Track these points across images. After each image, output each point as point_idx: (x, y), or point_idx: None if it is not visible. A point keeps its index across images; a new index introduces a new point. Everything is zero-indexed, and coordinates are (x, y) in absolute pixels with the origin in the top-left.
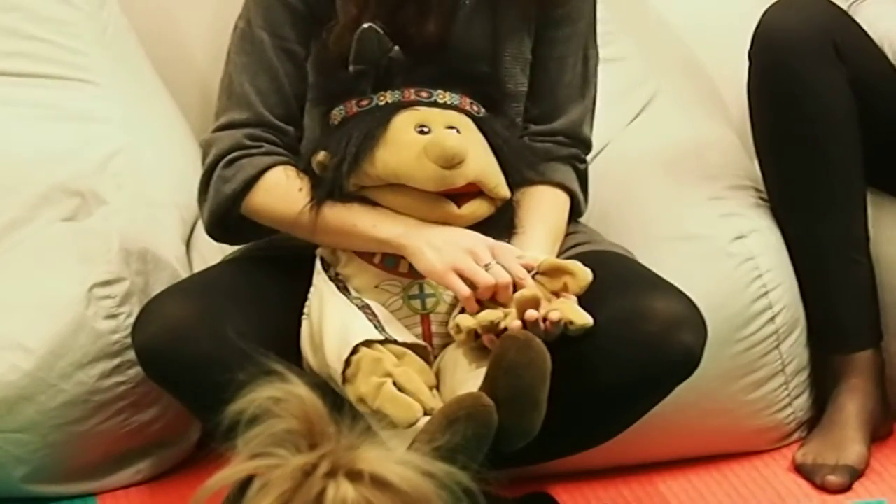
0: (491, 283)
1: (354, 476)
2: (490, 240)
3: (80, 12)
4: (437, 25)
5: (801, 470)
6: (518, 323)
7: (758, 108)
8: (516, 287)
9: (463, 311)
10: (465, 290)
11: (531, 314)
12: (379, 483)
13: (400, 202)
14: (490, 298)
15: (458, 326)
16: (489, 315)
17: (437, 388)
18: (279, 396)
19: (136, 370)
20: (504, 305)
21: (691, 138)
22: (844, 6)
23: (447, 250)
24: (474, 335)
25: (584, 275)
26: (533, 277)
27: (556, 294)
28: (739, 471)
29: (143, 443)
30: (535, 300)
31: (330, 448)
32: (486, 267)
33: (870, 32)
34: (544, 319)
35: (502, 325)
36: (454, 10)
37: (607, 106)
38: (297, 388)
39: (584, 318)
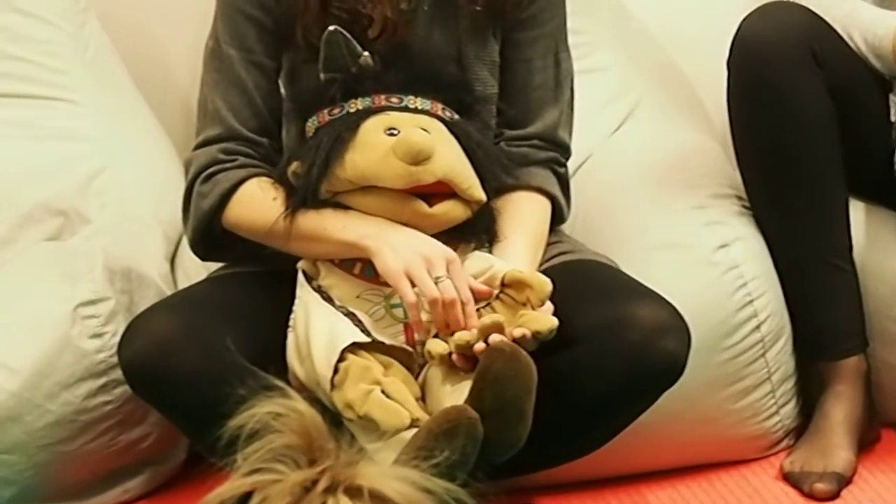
0: (435, 296)
1: (353, 492)
2: (451, 254)
3: (61, 32)
4: (393, 10)
5: (788, 478)
6: (482, 345)
7: (737, 117)
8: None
9: (437, 335)
10: (411, 297)
11: (494, 338)
12: (377, 499)
13: (371, 204)
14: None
15: (429, 353)
16: (464, 336)
17: (423, 399)
18: (279, 412)
19: (123, 389)
20: (451, 325)
21: (674, 148)
22: None
23: (405, 253)
24: (448, 358)
25: (542, 286)
26: (501, 291)
27: (524, 305)
28: (727, 479)
29: (130, 462)
30: (497, 326)
31: (329, 464)
32: (437, 280)
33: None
34: (514, 339)
35: (475, 348)
36: (410, 10)
37: (589, 117)
38: (297, 404)
39: (548, 324)
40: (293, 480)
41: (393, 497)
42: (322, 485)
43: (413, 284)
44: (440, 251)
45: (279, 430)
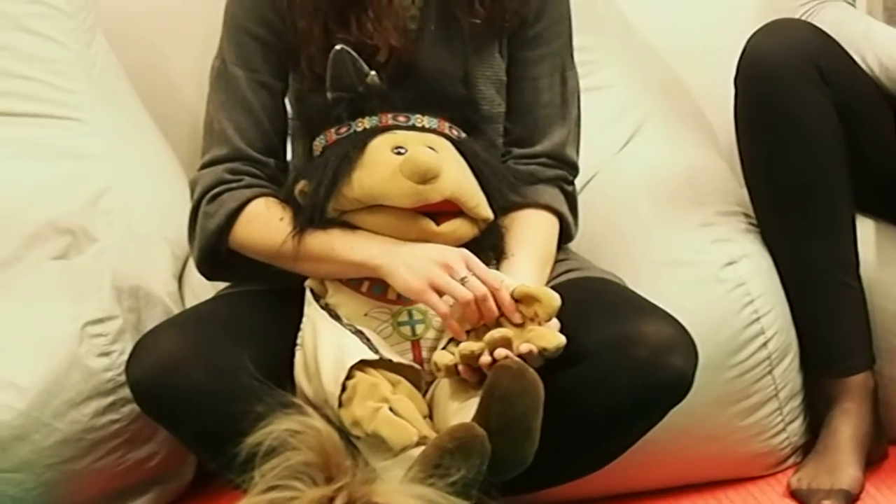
0: (468, 297)
1: None
2: (465, 252)
3: (68, 50)
4: (399, 36)
5: (796, 495)
6: (489, 359)
7: (744, 134)
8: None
9: (444, 347)
10: (443, 308)
11: (500, 352)
12: None
13: (378, 223)
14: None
15: (436, 365)
16: (469, 346)
17: (430, 416)
18: (296, 429)
19: (131, 407)
20: (487, 318)
21: (680, 165)
22: (797, 14)
23: (421, 266)
24: (455, 370)
25: (550, 300)
26: None
27: (533, 320)
28: (735, 497)
29: (138, 480)
30: (504, 340)
31: (346, 481)
32: (463, 280)
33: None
34: (519, 355)
35: (481, 360)
36: (416, 29)
37: (596, 134)
38: (315, 421)
39: (555, 340)
40: (310, 497)
41: None
42: (339, 502)
43: (440, 293)
44: (454, 253)
45: (296, 448)
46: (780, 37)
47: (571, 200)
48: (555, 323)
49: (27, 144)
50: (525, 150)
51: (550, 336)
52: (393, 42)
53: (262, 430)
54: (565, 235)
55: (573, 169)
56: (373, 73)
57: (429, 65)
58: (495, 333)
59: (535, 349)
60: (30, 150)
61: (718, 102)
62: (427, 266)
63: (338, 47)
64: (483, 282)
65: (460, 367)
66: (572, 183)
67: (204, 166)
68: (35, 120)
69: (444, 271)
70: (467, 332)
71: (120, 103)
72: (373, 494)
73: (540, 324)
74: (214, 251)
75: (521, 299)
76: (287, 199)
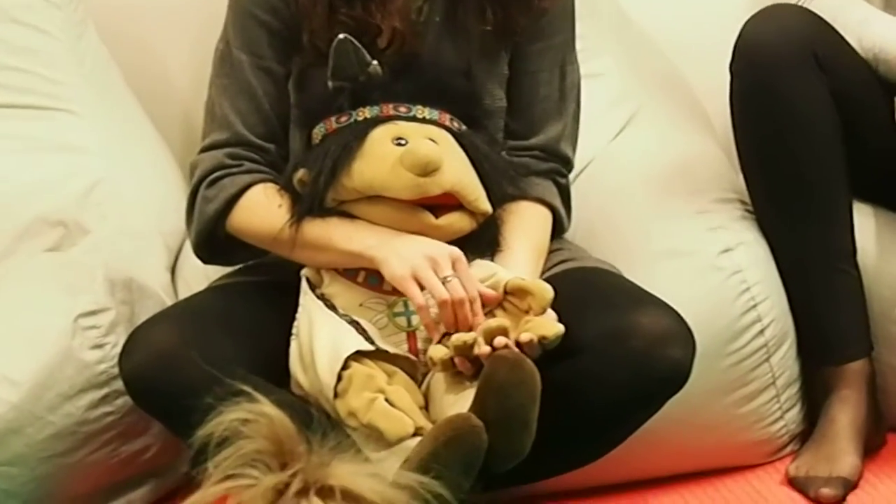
0: (445, 297)
1: (326, 492)
2: (456, 252)
3: (58, 43)
4: (402, 20)
5: (794, 483)
6: (487, 349)
7: (740, 122)
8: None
9: (440, 341)
10: (420, 300)
11: (499, 340)
12: (350, 498)
13: (377, 214)
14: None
15: (431, 359)
16: (462, 337)
17: (426, 407)
18: (247, 417)
19: (124, 400)
20: (460, 325)
21: (676, 153)
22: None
23: (410, 257)
24: (451, 363)
25: (543, 293)
26: (504, 298)
27: (527, 313)
28: (732, 485)
29: (132, 473)
30: (501, 329)
31: (301, 466)
32: (445, 280)
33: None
34: (517, 343)
35: (475, 351)
36: (422, 21)
37: (590, 122)
38: (265, 408)
39: (554, 329)
40: (266, 485)
41: (366, 494)
42: (294, 487)
43: (421, 287)
44: (445, 250)
45: (249, 436)
46: (775, 23)
47: (564, 193)
48: (551, 313)
49: (18, 137)
50: (520, 142)
51: (549, 325)
52: (396, 24)
53: (212, 422)
54: (558, 228)
55: (566, 163)
56: (375, 62)
57: (432, 57)
58: (491, 322)
59: (534, 338)
60: (21, 144)
61: (714, 90)
62: (415, 258)
63: (341, 36)
64: (465, 288)
65: (456, 360)
66: (566, 176)
67: (204, 150)
68: (26, 112)
69: (430, 265)
70: (443, 336)
71: (111, 95)
72: (328, 477)
73: (535, 316)
74: (212, 235)
75: (514, 292)
76: (286, 187)
